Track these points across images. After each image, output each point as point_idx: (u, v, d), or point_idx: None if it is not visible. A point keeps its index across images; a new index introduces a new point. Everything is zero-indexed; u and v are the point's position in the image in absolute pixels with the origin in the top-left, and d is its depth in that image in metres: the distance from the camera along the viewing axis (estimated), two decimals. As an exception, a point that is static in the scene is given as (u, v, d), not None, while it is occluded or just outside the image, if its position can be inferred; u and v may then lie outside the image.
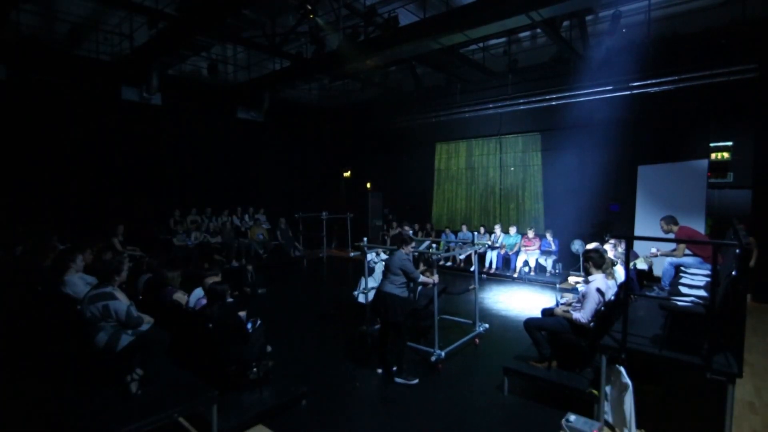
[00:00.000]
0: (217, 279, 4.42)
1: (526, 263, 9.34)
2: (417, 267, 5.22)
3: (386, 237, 12.36)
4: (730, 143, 7.70)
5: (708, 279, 4.25)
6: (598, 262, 4.10)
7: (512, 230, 9.94)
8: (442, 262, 9.55)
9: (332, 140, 14.66)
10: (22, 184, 8.35)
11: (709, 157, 7.65)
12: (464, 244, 9.22)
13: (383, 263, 6.13)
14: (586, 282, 4.17)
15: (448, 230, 11.16)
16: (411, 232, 10.30)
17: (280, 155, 13.14)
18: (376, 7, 9.14)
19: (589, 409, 3.55)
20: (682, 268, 5.07)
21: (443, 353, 4.65)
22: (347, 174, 14.63)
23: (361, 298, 5.95)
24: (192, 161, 11.02)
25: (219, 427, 3.27)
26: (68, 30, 8.54)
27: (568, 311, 4.15)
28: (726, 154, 7.72)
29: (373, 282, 5.91)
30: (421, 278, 4.69)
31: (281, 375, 4.08)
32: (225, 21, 7.29)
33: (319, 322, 6.48)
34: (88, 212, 9.02)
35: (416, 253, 6.19)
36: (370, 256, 6.12)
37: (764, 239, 6.70)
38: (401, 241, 4.72)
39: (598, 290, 3.92)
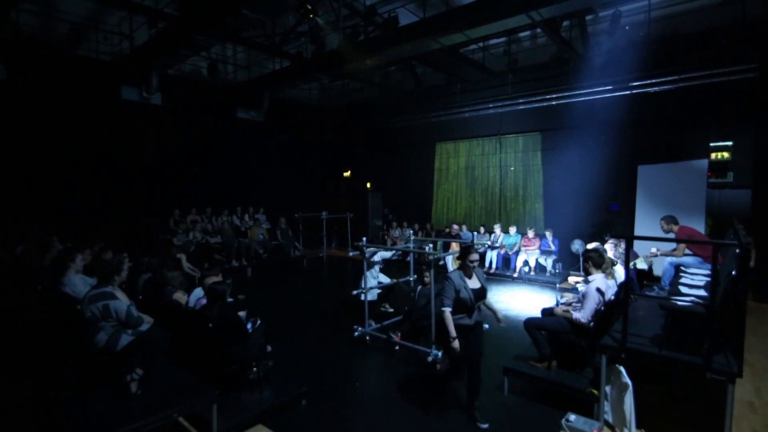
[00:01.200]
0: (217, 279, 4.42)
1: (526, 263, 9.34)
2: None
3: (386, 237, 12.36)
4: (730, 143, 7.70)
5: (708, 279, 4.25)
6: (598, 262, 4.10)
7: (512, 230, 9.94)
8: (441, 263, 9.55)
9: (332, 140, 14.66)
10: (22, 184, 8.35)
11: (709, 157, 7.65)
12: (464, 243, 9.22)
13: (382, 262, 6.13)
14: (586, 282, 4.17)
15: (447, 230, 11.16)
16: (411, 232, 10.29)
17: (280, 155, 13.14)
18: (376, 7, 9.14)
19: (589, 409, 3.55)
20: (682, 268, 5.07)
21: (440, 353, 4.64)
22: (347, 174, 14.63)
23: (369, 296, 5.93)
24: (192, 161, 11.01)
25: (219, 427, 3.27)
26: (68, 30, 8.54)
27: (568, 311, 4.16)
28: (726, 154, 7.71)
29: (372, 281, 5.91)
30: (450, 322, 3.50)
31: (281, 375, 4.08)
32: (225, 21, 7.28)
33: (319, 322, 6.48)
34: (88, 212, 9.02)
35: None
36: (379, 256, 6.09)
37: (764, 239, 6.70)
38: (465, 252, 3.68)
39: (598, 290, 3.92)
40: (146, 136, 10.13)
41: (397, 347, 5.20)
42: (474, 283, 3.65)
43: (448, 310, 3.50)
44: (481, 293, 3.66)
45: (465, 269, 3.68)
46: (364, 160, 14.10)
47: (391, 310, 6.32)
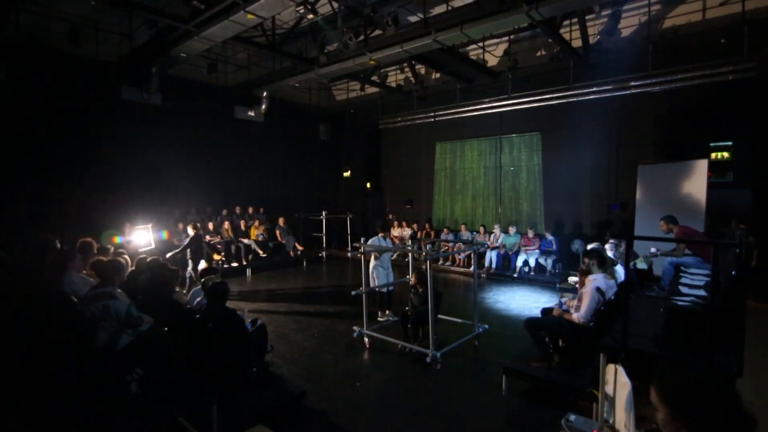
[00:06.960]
0: (217, 279, 4.42)
1: (525, 263, 9.34)
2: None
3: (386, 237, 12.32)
4: (730, 143, 7.70)
5: (708, 279, 4.25)
6: (600, 261, 4.11)
7: (512, 230, 9.94)
8: (440, 262, 9.55)
9: (332, 140, 14.66)
10: (21, 184, 8.34)
11: (709, 157, 7.64)
12: (464, 244, 9.23)
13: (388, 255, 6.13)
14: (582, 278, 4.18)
15: (447, 230, 11.15)
16: (411, 233, 10.28)
17: (280, 155, 13.13)
18: (376, 7, 9.13)
19: (589, 409, 3.55)
20: (682, 268, 5.07)
21: (439, 354, 4.64)
22: (347, 174, 14.63)
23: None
24: (192, 161, 11.00)
25: (219, 427, 3.26)
26: (68, 30, 8.53)
27: (568, 311, 4.16)
28: (726, 154, 7.71)
29: (383, 271, 5.92)
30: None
31: (281, 375, 4.09)
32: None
33: (319, 322, 6.48)
34: (87, 212, 9.01)
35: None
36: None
37: (764, 239, 6.70)
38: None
39: (598, 289, 3.92)
40: (146, 136, 10.12)
41: (400, 346, 5.19)
42: None
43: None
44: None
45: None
46: (364, 160, 14.09)
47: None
